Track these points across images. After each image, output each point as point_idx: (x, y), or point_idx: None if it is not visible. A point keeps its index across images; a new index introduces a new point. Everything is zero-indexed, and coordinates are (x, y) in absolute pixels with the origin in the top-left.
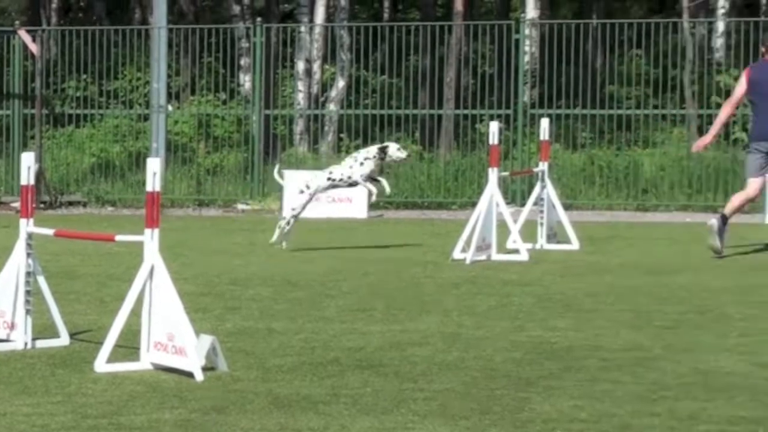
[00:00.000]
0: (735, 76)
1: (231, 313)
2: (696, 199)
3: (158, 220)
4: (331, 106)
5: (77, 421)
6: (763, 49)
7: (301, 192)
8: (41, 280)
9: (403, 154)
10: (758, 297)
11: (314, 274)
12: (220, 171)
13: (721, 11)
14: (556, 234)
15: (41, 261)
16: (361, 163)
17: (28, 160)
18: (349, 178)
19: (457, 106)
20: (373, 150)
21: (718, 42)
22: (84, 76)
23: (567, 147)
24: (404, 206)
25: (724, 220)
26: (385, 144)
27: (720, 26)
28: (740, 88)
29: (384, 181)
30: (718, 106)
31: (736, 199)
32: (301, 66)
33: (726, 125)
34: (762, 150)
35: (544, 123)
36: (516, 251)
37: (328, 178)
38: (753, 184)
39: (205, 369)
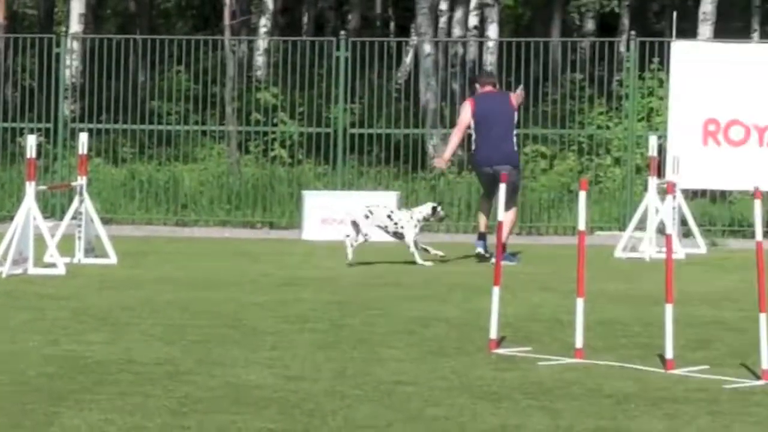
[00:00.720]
0: (274, 94)
1: None
2: (235, 215)
3: None
4: None
5: None
6: (477, 86)
7: (366, 217)
8: None
9: (442, 214)
10: (290, 311)
11: None
12: None
13: (262, 30)
14: (94, 248)
15: None
16: (415, 225)
17: None
18: (396, 226)
19: None
20: (426, 210)
21: (260, 60)
22: None
23: (108, 161)
24: None
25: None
26: (434, 205)
27: (261, 44)
28: (466, 115)
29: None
30: (258, 122)
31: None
32: None
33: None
34: (487, 173)
35: (83, 137)
36: (53, 265)
37: (388, 216)
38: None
39: None
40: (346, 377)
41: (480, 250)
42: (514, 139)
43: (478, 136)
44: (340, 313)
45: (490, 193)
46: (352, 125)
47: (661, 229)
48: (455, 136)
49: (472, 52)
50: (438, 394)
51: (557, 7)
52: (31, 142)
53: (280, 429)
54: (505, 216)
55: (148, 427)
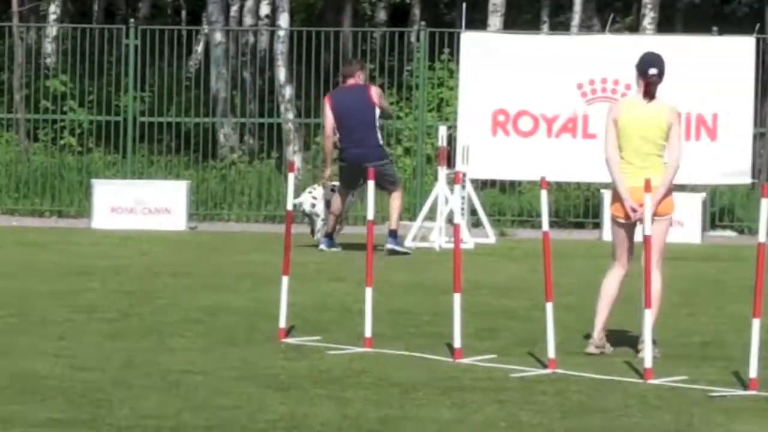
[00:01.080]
0: (63, 81)
1: None
2: (23, 204)
3: None
4: None
5: None
6: (340, 79)
7: (313, 206)
8: None
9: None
10: (79, 301)
11: None
12: None
13: (52, 17)
14: None
15: None
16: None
17: None
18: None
19: None
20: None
21: (49, 47)
22: None
23: None
24: None
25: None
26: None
27: (51, 31)
28: (329, 119)
29: None
30: (47, 110)
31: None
32: None
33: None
34: (351, 171)
35: None
36: None
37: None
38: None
39: None
40: (134, 367)
41: (323, 246)
42: (378, 132)
43: (340, 134)
44: (129, 303)
45: (349, 186)
46: (143, 114)
47: (450, 219)
48: (326, 143)
49: (264, 41)
50: (227, 384)
51: None
52: None
53: (66, 419)
54: (392, 204)
55: None
